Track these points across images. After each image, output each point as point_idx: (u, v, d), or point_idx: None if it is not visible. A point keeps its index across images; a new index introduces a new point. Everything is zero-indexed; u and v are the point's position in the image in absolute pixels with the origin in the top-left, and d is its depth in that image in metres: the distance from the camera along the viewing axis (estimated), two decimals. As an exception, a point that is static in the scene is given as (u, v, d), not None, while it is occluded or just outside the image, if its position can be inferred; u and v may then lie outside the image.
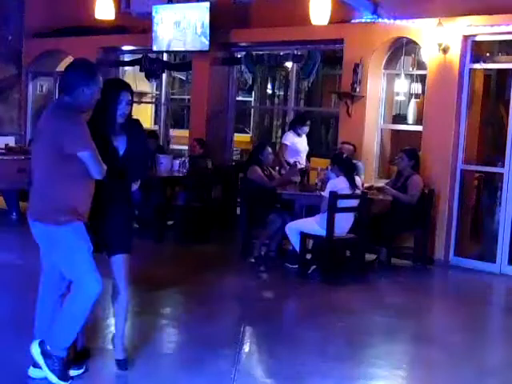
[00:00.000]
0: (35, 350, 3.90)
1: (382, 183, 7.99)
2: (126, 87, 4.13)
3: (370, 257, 7.58)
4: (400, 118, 9.70)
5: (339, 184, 6.86)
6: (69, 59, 12.00)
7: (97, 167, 3.77)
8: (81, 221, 3.84)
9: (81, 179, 3.82)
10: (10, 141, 11.83)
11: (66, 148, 3.70)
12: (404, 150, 7.73)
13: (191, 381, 4.15)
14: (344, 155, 7.35)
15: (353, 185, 6.89)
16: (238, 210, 8.94)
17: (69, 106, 3.82)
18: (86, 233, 3.85)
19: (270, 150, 7.88)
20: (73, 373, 4.00)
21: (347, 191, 6.86)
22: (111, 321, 5.02)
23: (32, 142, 4.11)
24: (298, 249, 7.10)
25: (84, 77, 3.83)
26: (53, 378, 3.86)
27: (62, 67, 12.60)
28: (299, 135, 8.72)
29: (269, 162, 7.84)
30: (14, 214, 9.16)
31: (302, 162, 8.69)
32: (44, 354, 3.86)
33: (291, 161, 8.55)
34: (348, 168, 6.97)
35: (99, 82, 3.89)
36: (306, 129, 8.77)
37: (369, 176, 8.40)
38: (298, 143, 8.73)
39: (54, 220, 3.78)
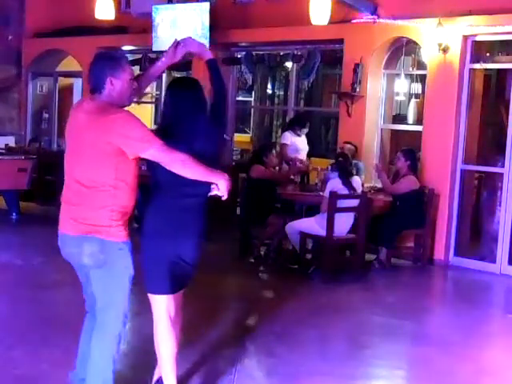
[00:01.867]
0: None
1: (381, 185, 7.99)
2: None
3: (369, 257, 7.58)
4: (400, 118, 9.71)
5: (339, 184, 6.86)
6: (69, 59, 12.05)
7: (173, 159, 3.28)
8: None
9: (133, 186, 3.40)
10: (10, 141, 11.84)
11: (127, 152, 3.25)
12: (401, 150, 7.75)
13: (191, 381, 4.14)
14: (346, 155, 7.34)
15: (348, 186, 6.86)
16: (238, 210, 8.94)
17: (107, 103, 3.37)
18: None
19: (274, 152, 7.87)
20: None
21: (346, 191, 6.85)
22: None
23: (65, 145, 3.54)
24: (298, 249, 7.11)
25: (108, 67, 3.40)
26: None
27: (62, 67, 12.62)
28: (298, 135, 8.71)
29: (272, 165, 7.83)
30: (14, 214, 9.17)
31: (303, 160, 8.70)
32: None
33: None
34: (342, 169, 6.95)
35: (128, 70, 3.45)
36: (306, 129, 8.76)
37: (369, 176, 8.40)
38: (298, 142, 8.71)
39: (113, 234, 3.34)
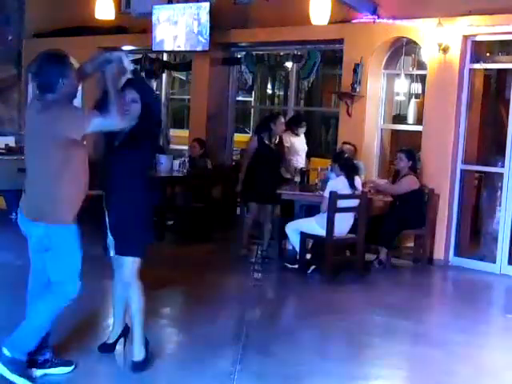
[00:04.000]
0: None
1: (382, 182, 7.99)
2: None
3: (369, 257, 7.58)
4: (400, 118, 9.71)
5: (339, 184, 6.86)
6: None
7: (110, 120, 3.74)
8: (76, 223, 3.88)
9: (80, 177, 3.85)
10: (10, 141, 11.83)
11: (72, 134, 3.72)
12: (402, 150, 7.74)
13: (191, 381, 4.14)
14: (345, 155, 7.35)
15: (352, 185, 6.89)
16: (238, 210, 8.95)
17: (56, 100, 3.76)
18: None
19: (282, 120, 7.90)
20: (61, 370, 3.99)
21: (347, 191, 6.86)
22: (110, 321, 5.04)
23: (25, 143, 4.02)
24: (297, 249, 7.11)
25: (58, 70, 3.77)
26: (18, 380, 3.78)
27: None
28: (297, 135, 8.72)
29: (278, 133, 7.80)
30: (14, 214, 9.16)
31: (302, 161, 8.70)
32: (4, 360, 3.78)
33: (299, 164, 8.61)
34: (349, 168, 6.97)
35: (73, 67, 3.85)
36: (303, 129, 8.78)
37: (369, 176, 8.39)
38: (296, 143, 8.72)
39: (61, 219, 3.79)
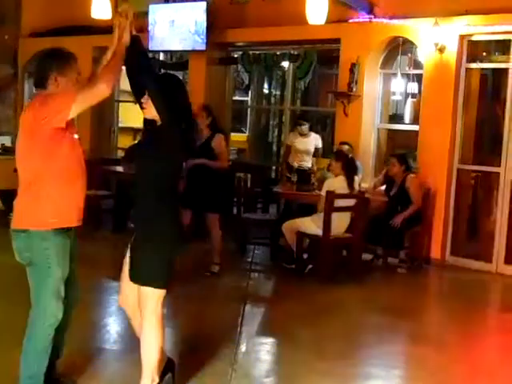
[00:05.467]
0: None
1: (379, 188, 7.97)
2: None
3: (366, 256, 7.58)
4: (397, 118, 9.72)
5: (335, 183, 6.87)
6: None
7: (95, 88, 3.35)
8: (66, 229, 3.50)
9: (69, 177, 3.50)
10: (7, 141, 11.80)
11: (52, 120, 3.32)
12: (393, 155, 7.81)
13: (189, 381, 4.14)
14: (350, 155, 7.38)
15: (351, 185, 6.90)
16: (235, 210, 8.93)
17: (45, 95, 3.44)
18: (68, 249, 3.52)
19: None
20: None
21: (344, 191, 6.86)
22: (109, 321, 5.04)
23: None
24: (294, 248, 7.10)
25: (54, 64, 3.49)
26: None
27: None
28: (301, 135, 8.74)
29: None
30: (11, 214, 9.14)
31: (304, 161, 8.72)
32: None
33: (294, 163, 8.62)
34: (351, 168, 6.99)
35: (75, 69, 3.53)
36: (304, 128, 8.77)
37: (366, 175, 8.40)
38: (298, 143, 8.78)
39: (38, 225, 3.44)
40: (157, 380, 3.69)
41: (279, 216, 8.07)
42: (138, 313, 3.66)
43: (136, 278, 3.56)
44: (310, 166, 8.75)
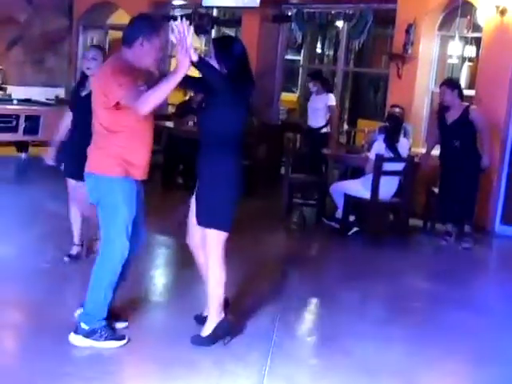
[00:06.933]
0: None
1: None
2: None
3: (413, 222, 7.45)
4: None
5: (383, 147, 6.77)
6: (119, 12, 12.05)
7: (131, 104, 3.60)
8: (132, 177, 3.82)
9: (137, 132, 3.81)
10: (61, 92, 11.98)
11: (110, 99, 3.66)
12: (443, 83, 7.14)
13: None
14: (397, 117, 7.19)
15: (392, 148, 6.75)
16: (283, 170, 8.94)
17: (125, 60, 3.76)
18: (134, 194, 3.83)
19: None
20: (112, 344, 3.87)
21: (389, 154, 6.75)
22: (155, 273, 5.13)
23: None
24: (341, 209, 7.07)
25: (145, 28, 3.77)
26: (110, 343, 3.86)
27: (112, 20, 12.65)
28: (312, 92, 8.84)
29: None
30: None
31: (315, 121, 8.76)
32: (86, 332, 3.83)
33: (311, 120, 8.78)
34: (388, 131, 6.83)
35: (160, 39, 3.80)
36: (311, 85, 8.85)
37: (417, 139, 8.26)
38: (310, 101, 8.91)
39: (106, 171, 3.77)
40: (223, 314, 4.02)
41: (327, 177, 8.02)
42: (202, 252, 4.02)
43: (201, 221, 3.91)
44: (319, 125, 8.68)
